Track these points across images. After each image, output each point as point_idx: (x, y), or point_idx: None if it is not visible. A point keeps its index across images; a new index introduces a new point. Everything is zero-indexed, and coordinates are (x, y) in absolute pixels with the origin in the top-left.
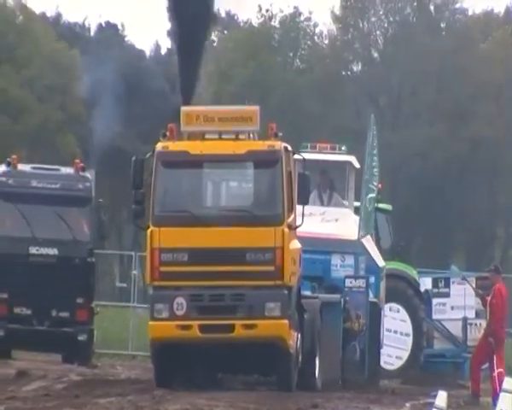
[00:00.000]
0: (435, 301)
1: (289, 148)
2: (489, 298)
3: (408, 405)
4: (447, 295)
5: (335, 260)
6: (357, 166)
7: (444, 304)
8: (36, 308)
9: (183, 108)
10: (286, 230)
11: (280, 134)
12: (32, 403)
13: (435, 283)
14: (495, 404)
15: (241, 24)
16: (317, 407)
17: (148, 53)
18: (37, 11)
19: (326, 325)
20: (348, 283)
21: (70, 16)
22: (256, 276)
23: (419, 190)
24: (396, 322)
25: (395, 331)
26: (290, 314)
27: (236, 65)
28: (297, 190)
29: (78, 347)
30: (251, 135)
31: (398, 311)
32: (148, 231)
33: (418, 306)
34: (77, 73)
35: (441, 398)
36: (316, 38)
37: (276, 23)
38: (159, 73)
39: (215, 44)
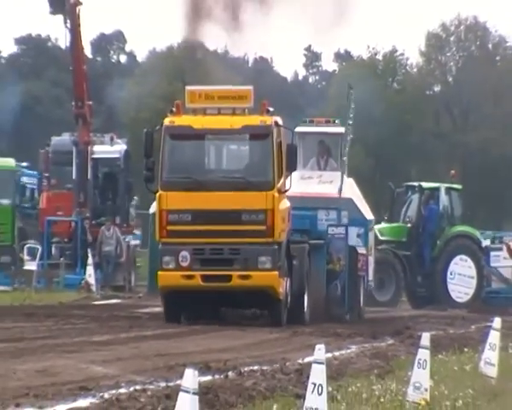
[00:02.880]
0: (492, 253)
1: (279, 122)
2: None
3: (473, 327)
4: (501, 249)
5: (321, 215)
6: (351, 136)
7: (498, 255)
8: None
9: (188, 88)
10: (276, 194)
11: (271, 109)
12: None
13: (492, 240)
14: None
15: (355, 58)
16: (409, 328)
17: (289, 79)
18: (211, 48)
19: (313, 267)
20: (331, 230)
21: (234, 52)
22: (250, 234)
23: (482, 175)
24: (464, 268)
25: (464, 275)
26: (280, 265)
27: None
28: (286, 159)
29: None
30: (246, 111)
31: (466, 260)
32: (157, 194)
33: (480, 257)
34: None
35: (497, 323)
36: (407, 67)
37: (379, 57)
38: (297, 93)
39: (336, 72)
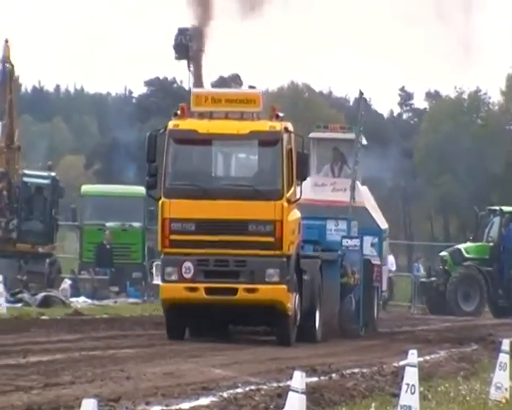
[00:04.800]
0: None
1: (290, 128)
2: None
3: None
4: None
5: (330, 225)
6: (365, 142)
7: None
8: None
9: (194, 90)
10: (285, 204)
11: (281, 115)
12: None
13: None
14: None
15: (443, 96)
16: (492, 335)
17: (385, 115)
18: (317, 89)
19: (326, 281)
20: (345, 242)
21: (338, 92)
22: (257, 246)
23: None
24: None
25: None
26: (289, 279)
27: (440, 123)
28: (296, 168)
29: None
30: (254, 115)
31: None
32: (160, 202)
33: None
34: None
35: None
36: (490, 105)
37: (465, 96)
38: (392, 128)
39: (427, 110)
